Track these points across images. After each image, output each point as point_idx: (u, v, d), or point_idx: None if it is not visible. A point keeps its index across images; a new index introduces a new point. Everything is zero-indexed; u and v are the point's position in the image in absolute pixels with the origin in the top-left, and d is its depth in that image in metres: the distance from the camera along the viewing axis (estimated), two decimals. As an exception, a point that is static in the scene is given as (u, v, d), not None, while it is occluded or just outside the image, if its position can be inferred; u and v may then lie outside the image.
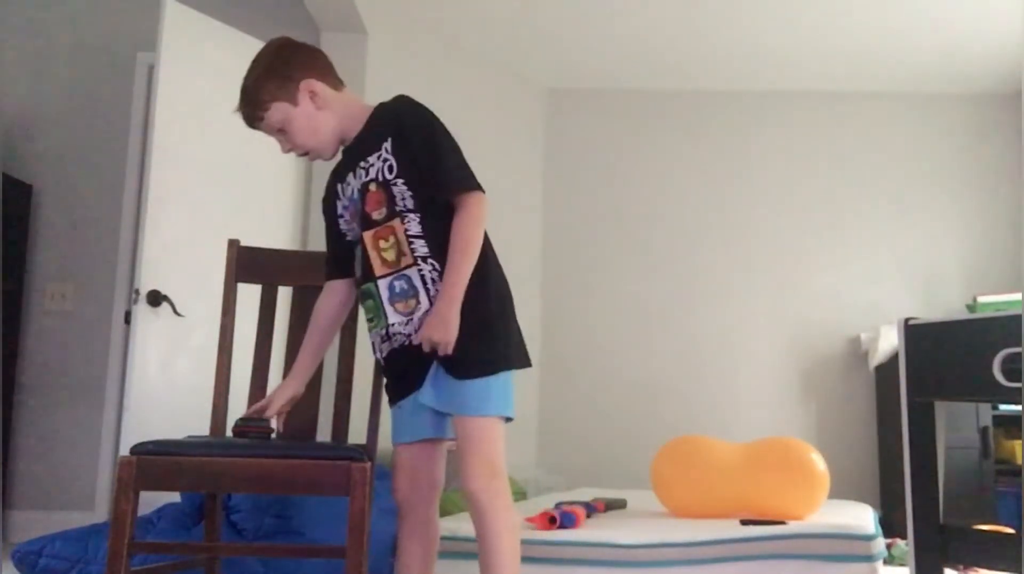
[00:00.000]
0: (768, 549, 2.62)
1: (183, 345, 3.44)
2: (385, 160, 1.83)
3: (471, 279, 1.77)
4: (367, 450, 2.06)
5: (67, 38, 4.35)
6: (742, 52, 4.65)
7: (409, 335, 1.81)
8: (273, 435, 1.97)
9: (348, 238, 1.94)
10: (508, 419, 1.82)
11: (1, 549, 3.27)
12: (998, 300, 4.39)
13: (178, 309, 3.38)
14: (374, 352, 1.92)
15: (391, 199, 1.82)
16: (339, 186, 1.96)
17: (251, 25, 3.94)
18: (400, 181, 1.81)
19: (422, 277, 1.80)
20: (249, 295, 2.34)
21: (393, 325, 1.82)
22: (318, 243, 3.90)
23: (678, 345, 4.93)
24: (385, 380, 1.95)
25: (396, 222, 1.81)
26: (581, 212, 5.11)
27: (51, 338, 4.16)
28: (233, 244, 2.39)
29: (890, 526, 3.60)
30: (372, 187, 1.84)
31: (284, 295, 2.37)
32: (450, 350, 1.73)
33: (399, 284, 1.81)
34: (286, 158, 4.02)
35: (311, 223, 3.93)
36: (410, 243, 1.80)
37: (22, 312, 4.14)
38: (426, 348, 1.75)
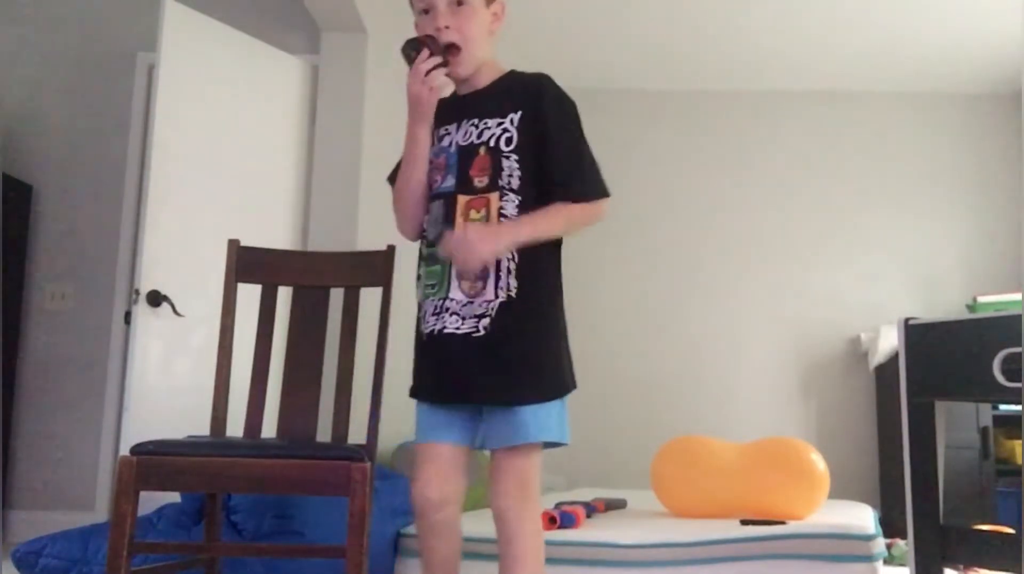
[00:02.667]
0: (768, 549, 2.62)
1: (183, 345, 3.44)
2: (506, 131, 1.70)
3: (547, 292, 1.70)
4: (367, 450, 2.06)
5: (67, 38, 4.35)
6: (742, 52, 4.65)
7: (464, 331, 1.66)
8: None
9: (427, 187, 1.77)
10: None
11: (1, 549, 3.27)
12: (998, 300, 4.39)
13: (178, 309, 3.38)
14: (420, 325, 1.75)
15: (497, 170, 1.68)
16: (439, 130, 1.78)
17: (251, 25, 3.94)
18: (514, 157, 1.69)
19: (499, 263, 1.66)
20: (249, 295, 2.34)
21: (452, 301, 1.68)
22: (318, 243, 3.91)
23: (678, 345, 4.93)
24: (416, 365, 1.78)
25: (494, 195, 1.68)
26: (581, 212, 5.11)
27: (51, 338, 4.16)
28: (233, 244, 2.39)
29: (890, 526, 3.60)
30: (481, 151, 1.70)
31: (284, 295, 2.37)
32: (470, 268, 1.61)
33: None
34: (286, 158, 4.03)
35: (311, 223, 3.93)
36: (500, 222, 1.67)
37: (22, 312, 4.14)
38: (449, 248, 1.61)
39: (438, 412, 1.74)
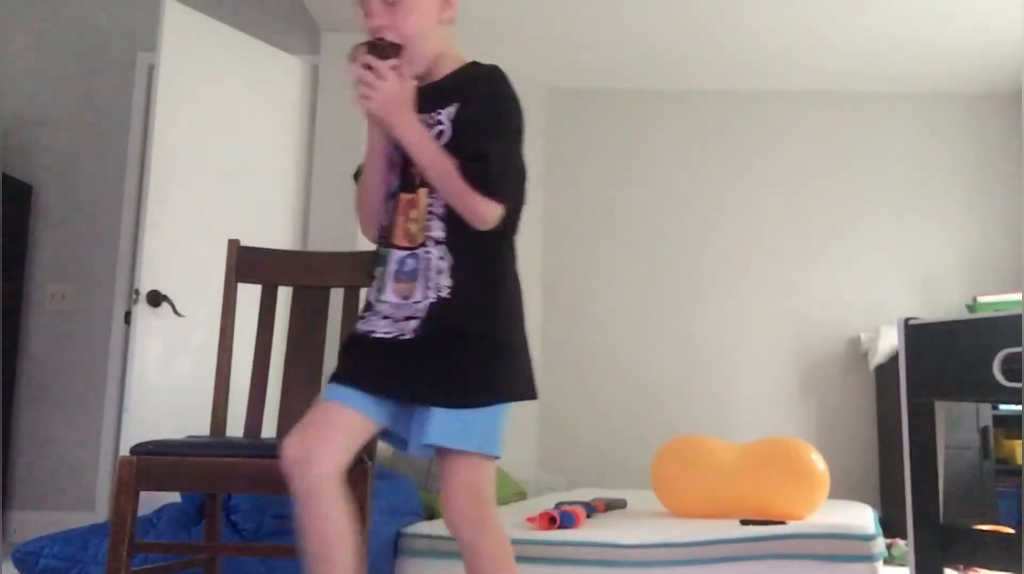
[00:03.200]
0: (768, 549, 2.62)
1: (183, 345, 3.44)
2: (441, 124, 1.61)
3: (488, 292, 1.61)
4: (367, 450, 2.06)
5: (67, 38, 4.35)
6: (742, 52, 4.65)
7: (392, 335, 1.57)
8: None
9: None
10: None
11: (1, 549, 3.27)
12: (998, 300, 4.39)
13: (178, 309, 3.38)
14: (363, 311, 1.69)
15: None
16: None
17: (251, 25, 3.94)
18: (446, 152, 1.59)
19: (428, 262, 1.59)
20: (249, 295, 2.34)
21: (385, 303, 1.61)
22: (318, 243, 3.91)
23: (678, 345, 4.93)
24: (340, 354, 1.68)
25: (423, 192, 1.61)
26: (581, 212, 5.11)
27: (51, 338, 4.16)
28: (233, 244, 2.39)
29: (890, 526, 3.60)
30: None
31: (284, 295, 2.37)
32: (369, 103, 1.57)
33: (410, 262, 1.60)
34: (286, 158, 4.03)
35: (311, 223, 3.93)
36: (428, 220, 1.60)
37: (22, 312, 4.14)
38: (358, 72, 1.56)
39: (358, 391, 1.59)
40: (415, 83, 1.65)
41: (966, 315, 4.10)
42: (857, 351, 4.80)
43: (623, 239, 5.06)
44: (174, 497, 2.70)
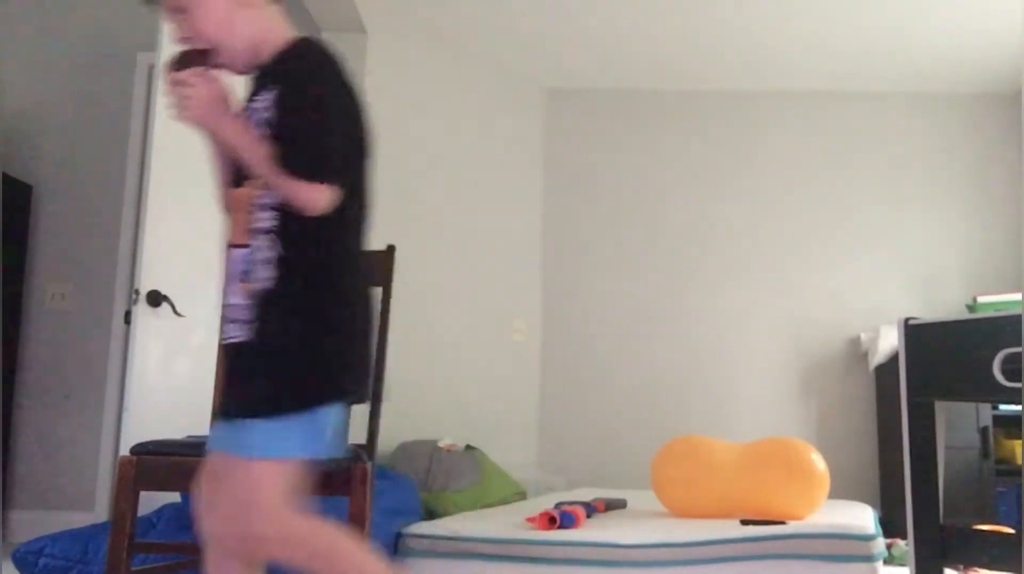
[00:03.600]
0: (768, 549, 2.62)
1: (183, 345, 3.44)
2: (262, 109, 1.55)
3: (297, 289, 1.51)
4: (367, 450, 2.06)
5: (67, 38, 4.35)
6: (742, 52, 4.65)
7: (231, 338, 1.53)
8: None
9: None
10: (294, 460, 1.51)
11: (1, 549, 3.27)
12: (998, 300, 4.39)
13: (178, 309, 3.38)
14: None
15: None
16: None
17: (251, 25, 3.93)
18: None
19: (252, 256, 1.52)
20: (249, 295, 2.34)
21: (227, 307, 1.55)
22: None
23: (678, 345, 4.93)
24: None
25: (249, 186, 1.56)
26: (581, 212, 5.11)
27: (51, 338, 4.16)
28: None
29: (890, 526, 3.60)
30: None
31: (284, 295, 2.36)
32: (185, 114, 1.53)
33: (243, 262, 1.54)
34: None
35: (311, 223, 3.93)
36: (260, 213, 1.53)
37: (22, 312, 4.14)
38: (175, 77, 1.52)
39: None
40: (233, 77, 1.63)
41: (966, 315, 4.10)
42: (857, 351, 4.80)
43: (623, 239, 5.06)
44: (174, 497, 2.70)
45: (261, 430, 1.46)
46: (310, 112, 1.51)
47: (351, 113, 1.59)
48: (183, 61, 1.57)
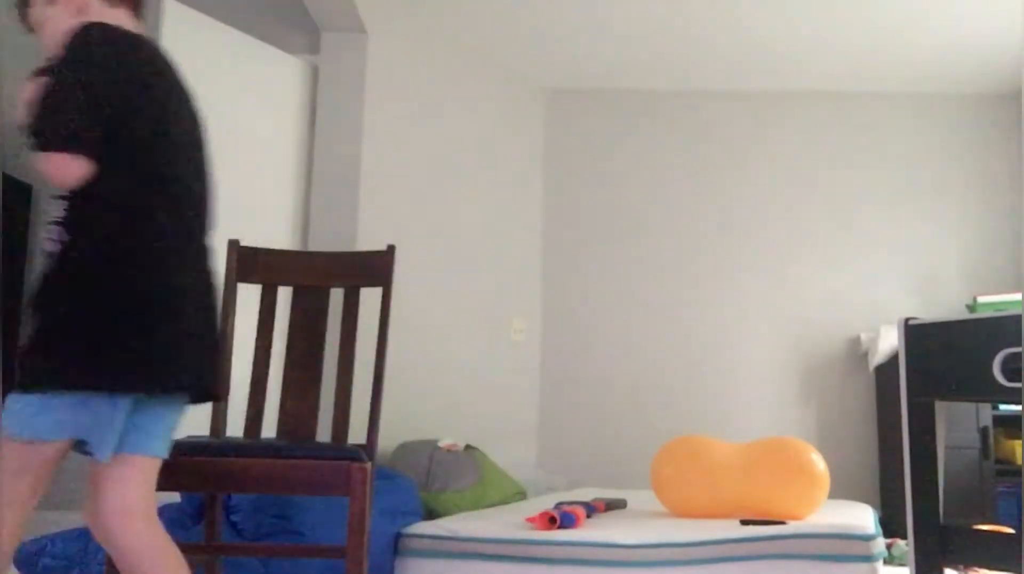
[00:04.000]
0: (768, 549, 2.63)
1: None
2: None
3: (61, 274, 1.55)
4: (367, 450, 2.06)
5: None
6: (742, 52, 4.65)
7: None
8: None
9: None
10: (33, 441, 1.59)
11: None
12: (998, 300, 4.39)
13: (178, 309, 3.38)
14: None
15: None
16: None
17: (251, 25, 3.94)
18: None
19: (53, 239, 1.55)
20: (249, 295, 2.34)
21: None
22: (318, 243, 3.91)
23: (678, 345, 4.93)
24: None
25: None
26: (581, 212, 5.11)
27: (51, 338, 4.16)
28: (233, 244, 2.39)
29: (890, 526, 3.60)
30: None
31: (284, 295, 2.37)
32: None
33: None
34: (286, 158, 4.04)
35: (311, 223, 3.93)
36: (59, 204, 1.57)
37: (22, 312, 4.14)
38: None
39: None
40: None
41: (966, 315, 4.10)
42: (857, 351, 4.80)
43: (622, 239, 5.06)
44: (174, 497, 2.70)
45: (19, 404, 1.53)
46: (54, 86, 1.56)
47: (129, 94, 1.58)
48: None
